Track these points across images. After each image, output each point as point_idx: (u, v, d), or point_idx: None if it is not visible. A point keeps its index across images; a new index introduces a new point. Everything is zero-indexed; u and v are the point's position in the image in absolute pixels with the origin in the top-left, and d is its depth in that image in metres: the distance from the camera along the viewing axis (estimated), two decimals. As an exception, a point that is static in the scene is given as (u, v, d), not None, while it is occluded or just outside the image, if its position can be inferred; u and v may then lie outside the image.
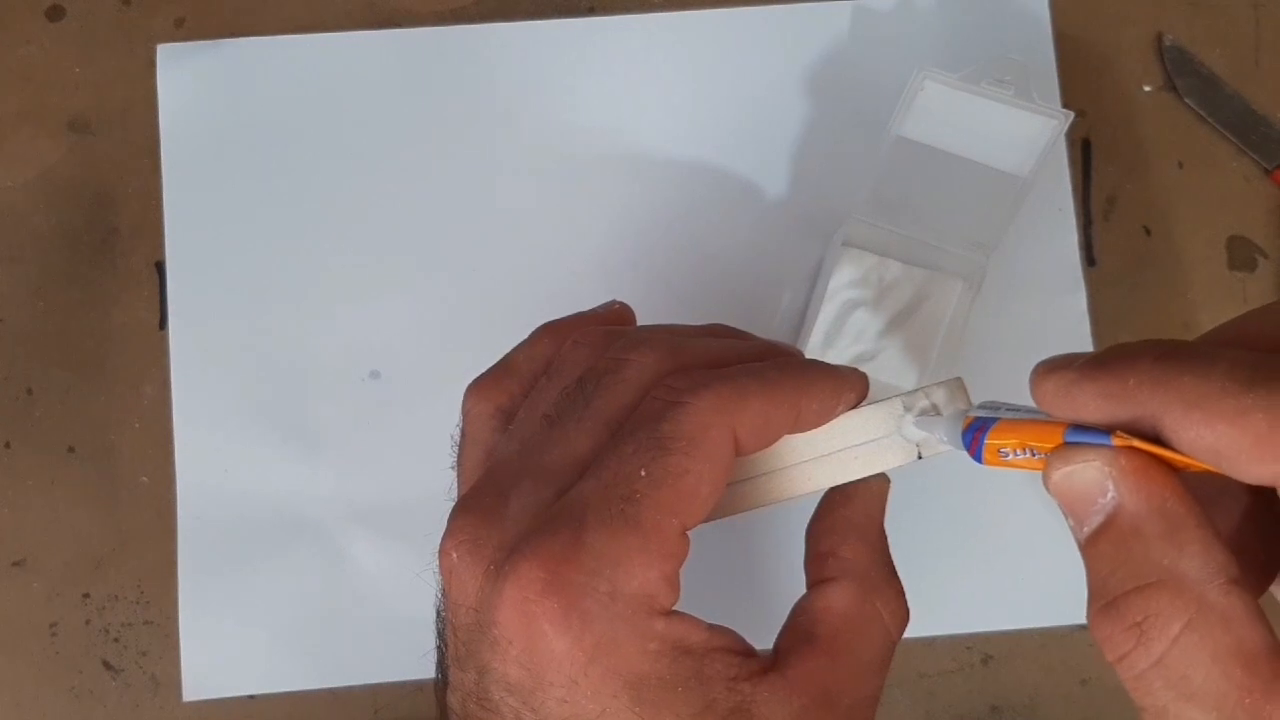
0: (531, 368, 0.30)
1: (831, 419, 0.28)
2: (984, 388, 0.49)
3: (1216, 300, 0.50)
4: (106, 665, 0.48)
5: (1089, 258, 0.51)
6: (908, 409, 0.28)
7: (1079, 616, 0.48)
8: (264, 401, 0.49)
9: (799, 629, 0.27)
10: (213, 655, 0.48)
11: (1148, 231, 0.51)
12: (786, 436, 0.27)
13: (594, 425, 0.26)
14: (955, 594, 0.48)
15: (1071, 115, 0.45)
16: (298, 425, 0.49)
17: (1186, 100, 0.51)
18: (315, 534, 0.48)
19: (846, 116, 0.51)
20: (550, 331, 0.32)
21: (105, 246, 0.51)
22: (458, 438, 0.31)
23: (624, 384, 0.27)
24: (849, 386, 0.28)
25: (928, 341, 0.48)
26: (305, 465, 0.49)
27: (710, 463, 0.25)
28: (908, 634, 0.47)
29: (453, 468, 0.31)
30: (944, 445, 0.27)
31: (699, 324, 0.32)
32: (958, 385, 0.28)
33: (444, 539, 0.26)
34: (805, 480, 0.28)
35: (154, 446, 0.49)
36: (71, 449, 0.50)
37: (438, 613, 0.29)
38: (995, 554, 0.48)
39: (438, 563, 0.26)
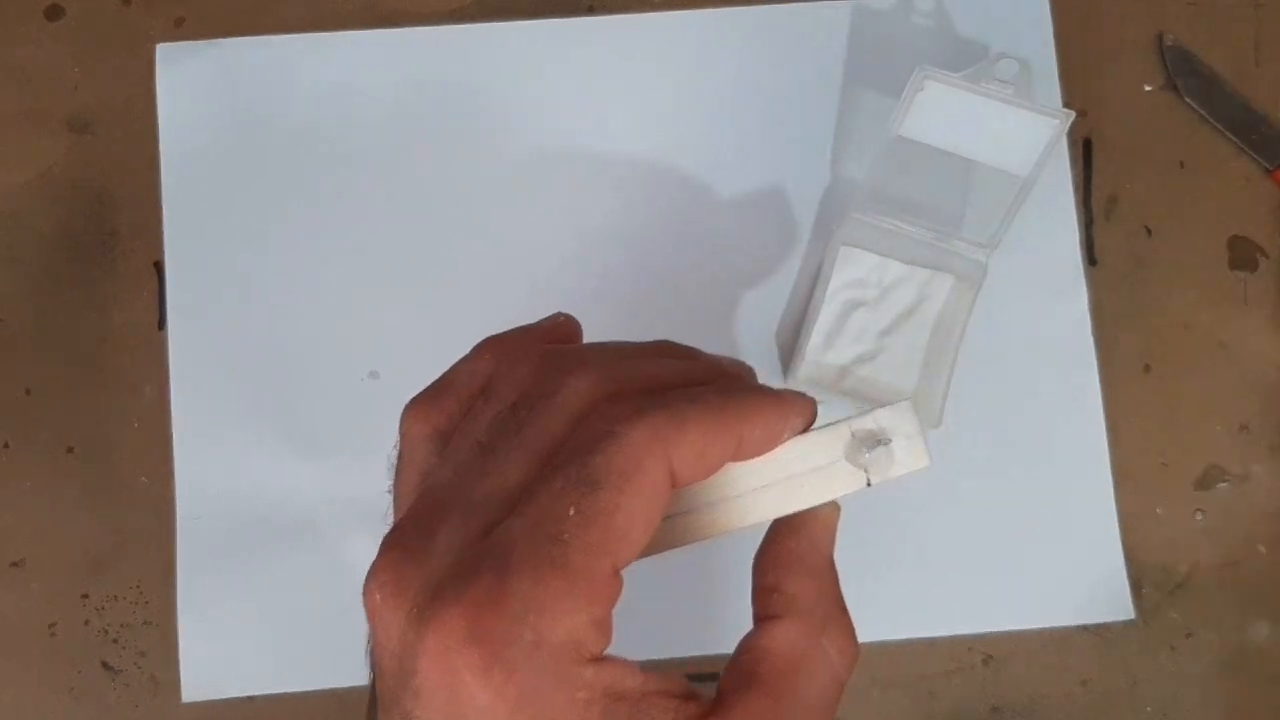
0: (471, 386, 0.29)
1: (776, 446, 0.26)
2: (983, 387, 0.49)
3: (1217, 300, 0.50)
4: (106, 666, 0.48)
5: (1090, 257, 0.51)
6: (854, 434, 0.27)
7: (1079, 617, 0.48)
8: (263, 401, 0.49)
9: (742, 669, 0.26)
10: (212, 655, 0.48)
11: (1149, 231, 0.51)
12: (729, 464, 0.26)
13: (525, 455, 0.25)
14: (955, 594, 0.48)
15: (1072, 115, 0.45)
16: (297, 425, 0.49)
17: (1187, 100, 0.51)
18: (315, 534, 0.48)
19: (846, 116, 0.51)
20: (491, 347, 0.30)
21: (104, 246, 0.51)
22: (394, 459, 0.29)
23: (557, 410, 0.25)
24: (795, 412, 0.27)
25: (928, 341, 0.48)
26: (305, 465, 0.49)
27: (643, 498, 0.24)
28: (907, 634, 0.48)
29: (389, 491, 0.30)
30: (895, 471, 0.26)
31: (646, 340, 0.30)
32: (906, 408, 0.27)
33: (368, 578, 0.24)
34: (749, 511, 0.27)
35: (153, 447, 0.49)
36: (71, 449, 0.49)
37: (368, 649, 0.27)
38: (995, 554, 0.48)
39: (362, 600, 0.25)
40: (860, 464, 0.27)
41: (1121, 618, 0.48)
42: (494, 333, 0.32)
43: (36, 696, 0.48)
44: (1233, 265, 0.51)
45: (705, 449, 0.25)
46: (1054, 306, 0.50)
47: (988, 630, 0.48)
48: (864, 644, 0.49)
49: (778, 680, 0.26)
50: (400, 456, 0.29)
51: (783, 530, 0.27)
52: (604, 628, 0.23)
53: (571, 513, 0.23)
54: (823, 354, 0.48)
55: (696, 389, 0.26)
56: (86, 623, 0.48)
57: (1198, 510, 0.49)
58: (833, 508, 0.27)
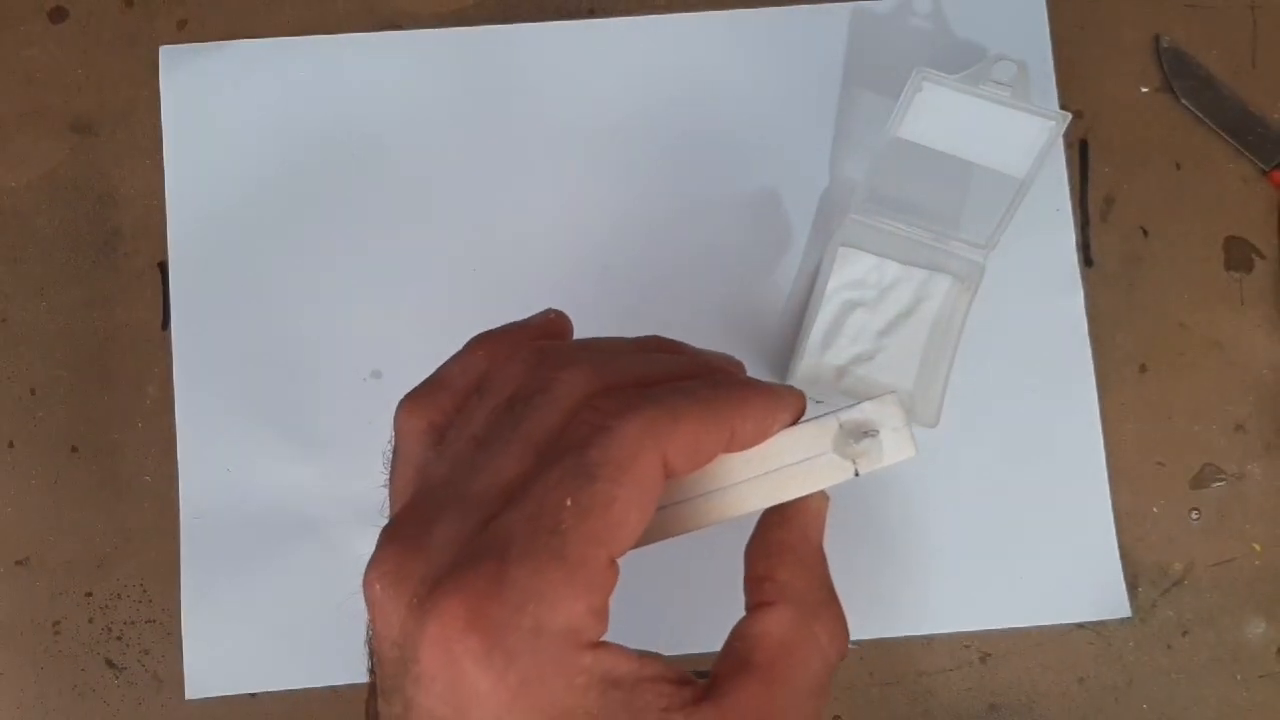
0: (465, 382, 0.29)
1: (767, 438, 0.27)
2: (981, 387, 0.50)
3: (1213, 301, 0.51)
4: (109, 663, 0.48)
5: (1086, 258, 0.51)
6: (843, 425, 0.27)
7: (1076, 615, 0.48)
8: (266, 401, 0.50)
9: (735, 655, 0.26)
10: (215, 653, 0.48)
11: (1145, 232, 0.51)
12: (721, 456, 0.27)
13: (521, 449, 0.25)
14: (953, 592, 0.48)
15: (1069, 116, 0.45)
16: (299, 425, 0.49)
17: (1184, 101, 0.51)
18: (317, 533, 0.49)
19: (846, 117, 0.51)
20: (484, 343, 0.31)
21: (108, 247, 0.51)
22: (389, 454, 0.30)
23: (552, 405, 0.26)
24: (784, 406, 0.27)
25: (926, 341, 0.48)
26: (307, 465, 0.49)
27: (639, 489, 0.24)
28: (906, 632, 0.48)
29: (385, 485, 0.30)
30: (883, 461, 0.27)
31: (638, 336, 0.31)
32: (892, 400, 0.28)
33: (368, 569, 0.25)
34: (741, 501, 0.27)
35: (156, 446, 0.50)
36: (75, 448, 0.50)
37: (367, 640, 0.28)
38: (992, 553, 0.49)
39: (363, 592, 0.25)
40: (848, 455, 0.27)
41: (1118, 616, 0.48)
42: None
43: (40, 694, 0.48)
44: (1228, 266, 0.51)
45: (698, 441, 0.25)
46: (1051, 307, 0.50)
47: (985, 628, 0.48)
48: (862, 642, 0.50)
49: (771, 666, 0.26)
50: (396, 452, 0.29)
51: (774, 520, 0.28)
52: (601, 615, 0.24)
53: (569, 504, 0.24)
54: (821, 354, 0.48)
55: (689, 383, 0.27)
56: (90, 620, 0.49)
57: (1193, 509, 0.49)
58: (822, 498, 0.28)
